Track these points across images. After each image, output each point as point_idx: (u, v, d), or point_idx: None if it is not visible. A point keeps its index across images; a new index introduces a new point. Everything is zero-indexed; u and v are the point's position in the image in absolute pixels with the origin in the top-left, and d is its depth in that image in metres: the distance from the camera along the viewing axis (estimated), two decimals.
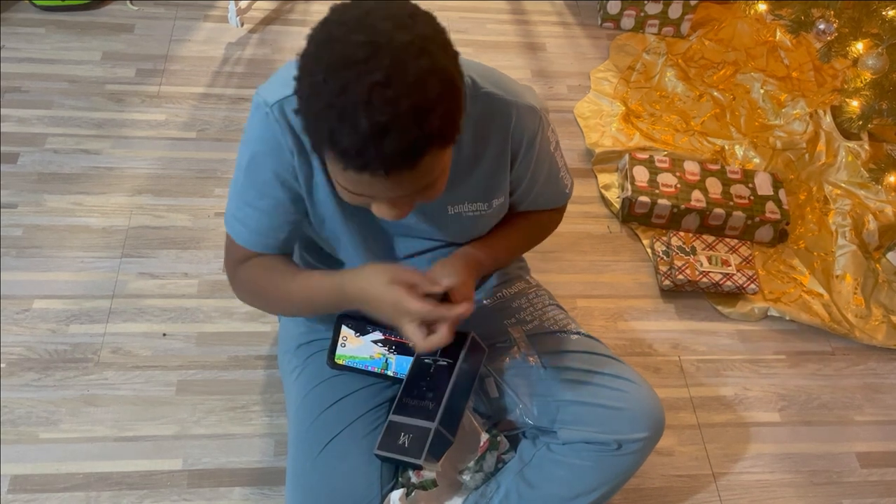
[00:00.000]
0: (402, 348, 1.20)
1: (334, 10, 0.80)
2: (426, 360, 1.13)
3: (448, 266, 1.05)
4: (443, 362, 1.10)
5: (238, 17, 2.22)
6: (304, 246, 1.20)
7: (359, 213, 1.05)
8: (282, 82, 0.95)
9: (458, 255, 1.09)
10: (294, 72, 0.91)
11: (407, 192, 0.85)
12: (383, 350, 1.19)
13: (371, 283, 0.97)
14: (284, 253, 1.11)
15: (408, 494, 1.09)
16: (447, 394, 1.05)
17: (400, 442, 1.05)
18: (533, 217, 1.22)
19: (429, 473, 1.12)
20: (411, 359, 1.17)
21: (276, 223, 1.05)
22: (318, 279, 1.05)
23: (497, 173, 1.07)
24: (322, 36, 0.77)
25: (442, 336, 0.95)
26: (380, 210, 0.91)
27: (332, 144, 0.77)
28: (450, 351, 1.11)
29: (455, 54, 0.81)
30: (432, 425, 1.03)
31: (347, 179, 0.84)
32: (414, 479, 1.11)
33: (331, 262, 1.15)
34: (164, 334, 1.57)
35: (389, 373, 1.18)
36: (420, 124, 0.76)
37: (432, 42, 0.78)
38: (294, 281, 1.06)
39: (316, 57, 0.77)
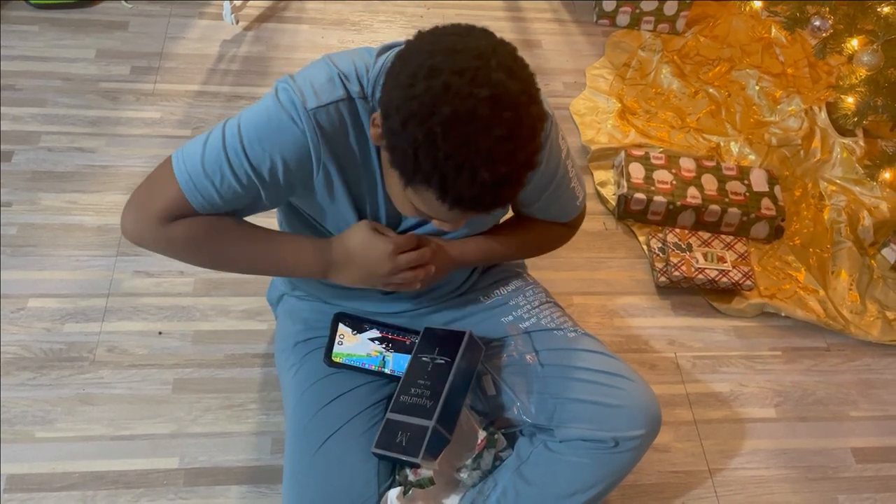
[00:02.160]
0: (399, 346, 1.20)
1: (440, 54, 0.79)
2: (423, 359, 1.13)
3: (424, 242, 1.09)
4: (440, 360, 1.10)
5: (233, 15, 2.22)
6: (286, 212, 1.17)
7: (363, 203, 1.06)
8: (322, 85, 0.94)
9: (442, 240, 1.12)
10: (333, 74, 0.94)
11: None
12: (380, 348, 1.19)
13: (356, 238, 1.04)
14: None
15: (405, 493, 1.09)
16: (444, 392, 1.06)
17: (397, 440, 1.05)
18: (541, 227, 1.22)
19: (426, 471, 1.12)
20: (409, 357, 1.17)
21: (245, 204, 1.01)
22: (305, 240, 1.07)
23: None
24: (437, 85, 0.77)
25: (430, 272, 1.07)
26: (443, 226, 0.95)
27: (443, 189, 0.80)
28: (447, 349, 1.11)
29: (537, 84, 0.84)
30: (430, 424, 1.03)
31: (438, 212, 0.86)
32: (411, 478, 1.11)
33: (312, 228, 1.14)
34: (160, 333, 1.56)
35: (387, 370, 1.18)
36: (530, 168, 0.82)
37: (533, 85, 0.82)
38: (271, 241, 1.05)
39: (433, 106, 0.76)
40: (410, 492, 1.09)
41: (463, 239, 1.13)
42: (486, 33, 0.83)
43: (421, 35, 0.83)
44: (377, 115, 0.87)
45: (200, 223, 1.00)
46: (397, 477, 1.12)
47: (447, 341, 1.13)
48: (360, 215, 1.07)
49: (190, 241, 1.01)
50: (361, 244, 1.04)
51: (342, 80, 0.95)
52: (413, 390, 1.10)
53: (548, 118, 1.06)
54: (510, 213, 1.23)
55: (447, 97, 0.76)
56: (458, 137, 0.76)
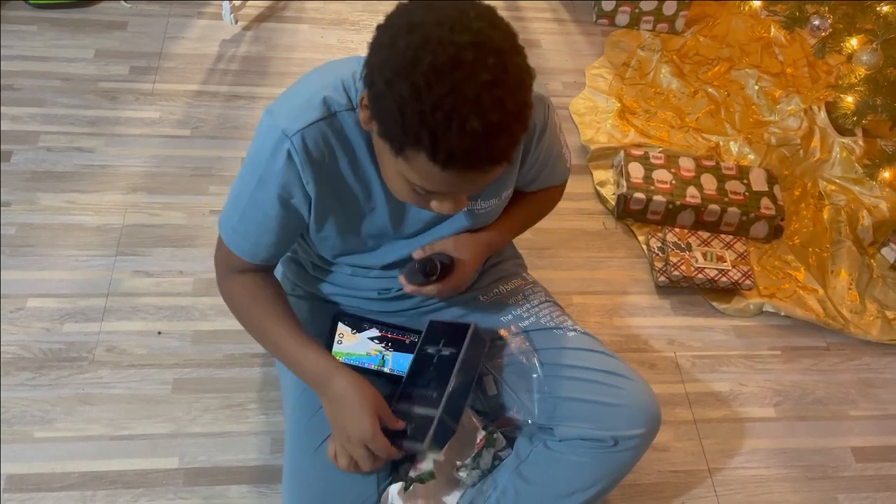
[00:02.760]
0: (398, 345, 1.20)
1: (418, 11, 0.78)
2: (429, 350, 1.13)
3: (461, 246, 1.09)
4: (445, 352, 1.10)
5: (232, 15, 2.22)
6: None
7: (361, 220, 1.06)
8: (301, 108, 0.95)
9: (473, 236, 1.12)
10: (313, 93, 0.93)
11: (487, 184, 0.88)
12: (380, 347, 1.19)
13: (357, 398, 1.02)
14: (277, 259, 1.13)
15: (406, 488, 1.09)
16: (450, 383, 1.06)
17: (403, 430, 1.05)
18: (540, 194, 1.24)
19: (426, 465, 1.12)
20: (408, 356, 1.17)
21: (276, 240, 1.06)
22: (313, 352, 1.07)
23: (510, 168, 1.07)
24: (417, 38, 0.76)
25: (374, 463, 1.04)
26: (442, 206, 0.92)
27: (434, 145, 0.78)
28: (452, 341, 1.11)
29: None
30: (436, 413, 1.03)
31: (432, 178, 0.84)
32: (412, 473, 1.12)
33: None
34: (160, 332, 1.56)
35: (386, 370, 1.18)
36: (522, 120, 0.79)
37: (516, 39, 0.80)
38: (285, 333, 1.09)
39: (414, 59, 0.75)
40: (411, 487, 1.10)
41: (487, 229, 1.14)
42: None
43: (399, 4, 0.83)
44: (363, 94, 0.85)
45: (244, 289, 1.11)
46: (400, 470, 1.13)
47: (452, 333, 1.13)
48: (350, 234, 1.07)
49: (234, 303, 1.13)
50: (351, 411, 1.02)
51: (323, 100, 0.95)
52: (419, 382, 1.10)
53: (543, 99, 1.05)
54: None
55: (428, 47, 0.75)
56: (443, 86, 0.75)
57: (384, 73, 0.78)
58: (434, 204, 0.91)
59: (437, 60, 0.75)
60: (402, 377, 1.16)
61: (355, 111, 0.96)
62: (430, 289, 1.10)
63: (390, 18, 0.82)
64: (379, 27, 0.82)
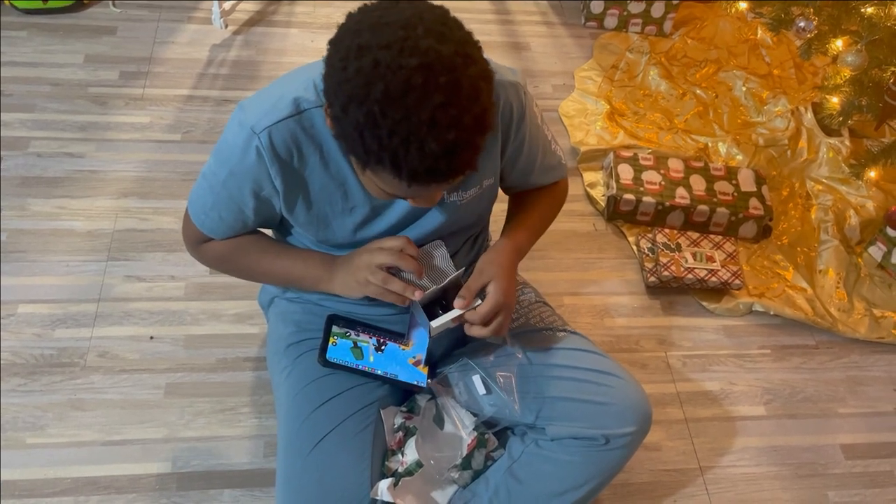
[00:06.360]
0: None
1: (366, 32, 0.78)
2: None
3: (493, 280, 1.08)
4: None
5: (222, 19, 2.22)
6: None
7: (341, 217, 1.07)
8: (271, 106, 0.96)
9: (500, 257, 1.10)
10: (284, 92, 0.95)
11: (459, 182, 0.89)
12: (371, 344, 1.19)
13: (356, 251, 1.08)
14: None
15: (395, 484, 1.10)
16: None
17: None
18: (543, 192, 1.24)
19: (412, 456, 1.12)
20: (397, 358, 1.18)
21: (250, 222, 1.10)
22: (312, 253, 1.13)
23: (487, 155, 1.07)
24: (367, 63, 0.76)
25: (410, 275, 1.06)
26: (417, 202, 0.94)
27: (396, 167, 0.79)
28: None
29: (478, 42, 0.83)
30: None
31: (401, 189, 0.86)
32: (399, 468, 1.12)
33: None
34: (152, 337, 1.56)
35: (379, 372, 1.18)
36: (481, 130, 0.80)
37: (469, 45, 0.80)
38: (277, 255, 1.14)
39: (366, 86, 0.76)
40: (400, 483, 1.10)
41: (503, 240, 1.14)
42: (412, 2, 0.81)
43: (350, 16, 0.83)
44: (327, 105, 0.86)
45: (224, 244, 1.14)
46: (387, 463, 1.13)
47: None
48: (330, 229, 1.08)
49: (218, 259, 1.18)
50: (358, 250, 1.07)
51: (293, 99, 0.96)
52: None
53: (518, 86, 1.06)
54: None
55: (378, 74, 0.75)
56: (397, 112, 0.75)
57: (339, 98, 0.79)
58: (409, 200, 0.94)
59: (388, 88, 0.75)
60: (391, 379, 1.17)
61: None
62: (475, 315, 1.06)
63: (340, 37, 0.81)
64: (331, 43, 0.82)
